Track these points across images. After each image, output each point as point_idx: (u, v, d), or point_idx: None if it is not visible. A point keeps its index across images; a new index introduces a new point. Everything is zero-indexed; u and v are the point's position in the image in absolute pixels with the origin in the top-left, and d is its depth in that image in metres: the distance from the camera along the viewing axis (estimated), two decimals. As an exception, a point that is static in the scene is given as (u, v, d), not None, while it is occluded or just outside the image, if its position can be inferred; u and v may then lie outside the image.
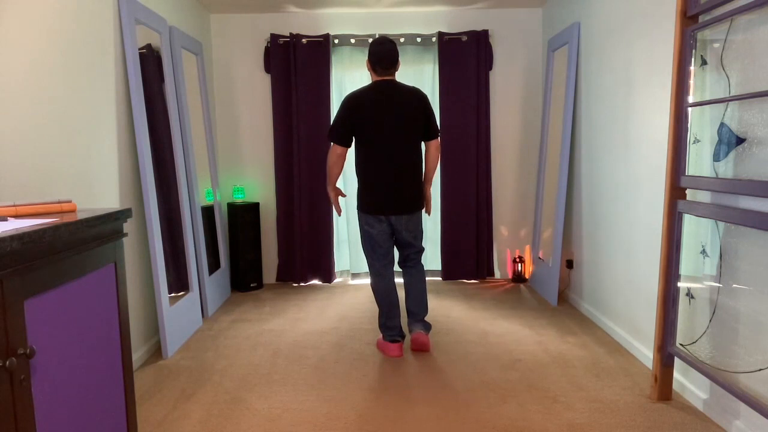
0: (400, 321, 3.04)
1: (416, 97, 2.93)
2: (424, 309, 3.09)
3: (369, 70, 2.98)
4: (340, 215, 3.24)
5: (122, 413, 1.67)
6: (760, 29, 1.88)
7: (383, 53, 2.88)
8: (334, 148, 2.94)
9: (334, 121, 2.94)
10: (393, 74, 2.94)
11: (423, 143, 3.03)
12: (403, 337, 3.04)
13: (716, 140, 2.12)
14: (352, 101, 2.89)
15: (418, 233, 3.06)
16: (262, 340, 3.27)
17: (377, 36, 4.41)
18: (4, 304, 1.11)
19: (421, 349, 3.03)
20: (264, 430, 2.22)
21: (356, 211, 3.07)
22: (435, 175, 3.53)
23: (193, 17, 4.02)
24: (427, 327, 3.10)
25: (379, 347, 3.08)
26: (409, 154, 2.92)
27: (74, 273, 1.40)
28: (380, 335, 3.26)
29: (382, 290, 3.02)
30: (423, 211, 3.09)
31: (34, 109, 2.11)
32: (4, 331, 1.11)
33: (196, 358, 3.00)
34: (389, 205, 2.91)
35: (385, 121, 2.86)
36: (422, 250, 3.12)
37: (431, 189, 3.11)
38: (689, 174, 2.25)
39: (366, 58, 3.41)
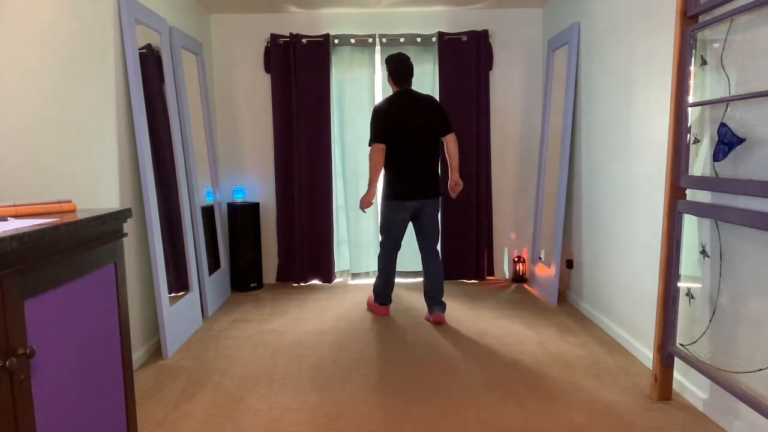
0: (392, 291, 3.75)
1: (432, 103, 3.53)
2: (441, 292, 3.60)
3: (390, 82, 3.59)
4: (364, 210, 3.62)
5: (122, 413, 1.67)
6: (760, 29, 1.88)
7: (405, 71, 3.51)
8: (376, 148, 3.47)
9: (372, 126, 3.52)
10: (410, 83, 3.56)
11: (442, 139, 3.57)
12: (390, 301, 3.76)
13: (716, 140, 2.12)
14: (384, 109, 3.49)
15: (436, 220, 3.58)
16: (262, 340, 3.27)
17: (377, 36, 4.42)
18: (4, 304, 1.11)
19: (439, 323, 3.58)
20: (264, 430, 2.22)
21: (383, 200, 3.60)
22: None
23: (193, 17, 4.02)
24: (444, 307, 3.62)
25: (370, 306, 3.81)
26: (429, 150, 3.49)
27: (74, 273, 1.40)
28: (371, 296, 3.84)
29: (387, 265, 3.65)
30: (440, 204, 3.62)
31: (34, 109, 2.11)
32: (4, 331, 1.11)
33: (196, 358, 3.00)
34: (413, 192, 3.47)
35: (409, 124, 3.45)
36: (438, 235, 3.63)
37: (458, 175, 3.62)
38: (689, 174, 2.25)
39: (376, 67, 4.02)
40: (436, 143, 3.50)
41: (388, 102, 3.50)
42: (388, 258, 3.64)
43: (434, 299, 3.58)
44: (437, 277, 3.58)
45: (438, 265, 3.60)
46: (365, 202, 3.54)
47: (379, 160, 3.47)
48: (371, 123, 3.51)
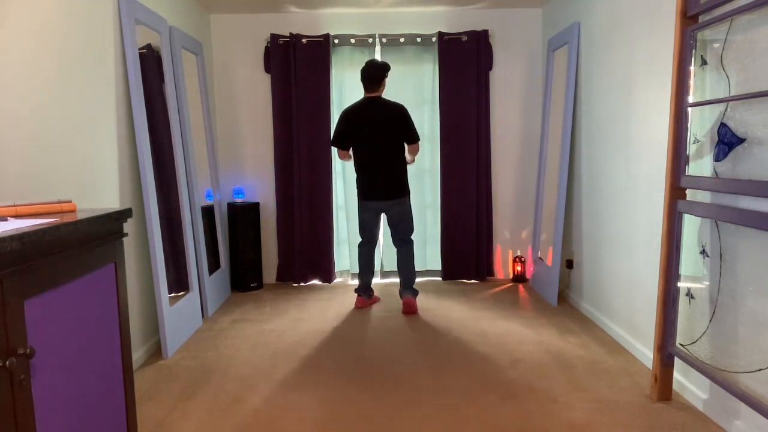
0: (369, 283, 3.92)
1: (396, 111, 3.64)
2: (410, 279, 3.82)
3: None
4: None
5: (122, 413, 1.67)
6: (760, 29, 1.88)
7: (367, 76, 3.63)
8: (338, 151, 3.81)
9: (334, 130, 3.76)
10: (377, 91, 3.65)
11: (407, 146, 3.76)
12: (369, 296, 3.94)
13: (716, 140, 2.12)
14: (347, 115, 3.69)
15: (408, 214, 3.77)
16: (263, 340, 3.27)
17: (377, 36, 4.42)
18: (4, 304, 1.11)
19: (410, 310, 3.72)
20: (264, 430, 2.22)
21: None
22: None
23: (193, 17, 4.02)
24: (414, 292, 3.81)
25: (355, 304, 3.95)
26: (391, 155, 3.65)
27: (74, 273, 1.40)
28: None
29: (360, 255, 3.88)
30: (408, 199, 3.78)
31: (34, 109, 2.11)
32: (4, 331, 1.11)
33: (196, 358, 3.00)
34: (375, 194, 3.69)
35: (371, 130, 3.61)
36: (410, 231, 3.81)
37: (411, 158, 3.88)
38: (689, 174, 2.25)
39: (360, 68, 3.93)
40: (398, 148, 3.65)
41: (351, 107, 3.71)
42: (361, 249, 3.88)
43: (403, 285, 3.82)
44: (405, 269, 3.80)
45: (407, 257, 3.80)
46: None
47: (342, 159, 3.84)
48: (336, 125, 3.76)
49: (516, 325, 3.47)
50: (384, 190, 3.67)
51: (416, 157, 4.52)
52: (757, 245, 1.93)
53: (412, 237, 3.87)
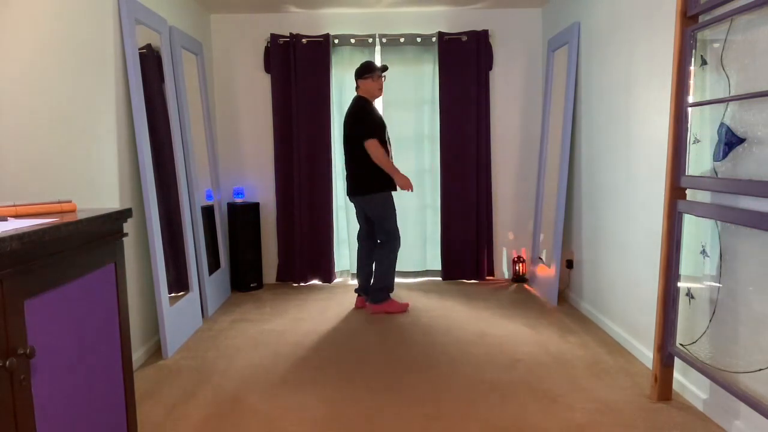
0: (361, 282, 3.91)
1: (350, 110, 3.69)
2: (374, 281, 3.78)
3: None
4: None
5: (122, 413, 1.67)
6: (760, 29, 1.88)
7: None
8: None
9: None
10: (357, 90, 3.73)
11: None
12: (360, 293, 3.92)
13: (716, 140, 2.12)
14: None
15: (377, 215, 3.71)
16: (263, 340, 3.27)
17: (377, 36, 4.42)
18: (4, 304, 1.11)
19: (361, 305, 3.90)
20: (264, 430, 2.22)
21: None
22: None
23: (193, 17, 4.02)
24: (374, 297, 3.77)
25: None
26: (348, 154, 3.71)
27: (74, 273, 1.40)
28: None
29: (359, 250, 3.91)
30: (375, 199, 3.66)
31: (34, 110, 2.11)
32: (4, 331, 1.11)
33: (196, 358, 3.00)
34: (347, 189, 3.82)
35: (343, 127, 3.77)
36: (383, 232, 3.73)
37: (398, 173, 3.66)
38: (689, 174, 2.25)
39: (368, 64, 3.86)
40: (355, 148, 3.63)
41: None
42: (358, 243, 3.91)
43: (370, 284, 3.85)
44: (375, 270, 3.77)
45: (377, 260, 3.75)
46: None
47: None
48: None
49: (516, 325, 3.47)
50: (349, 187, 3.77)
51: (414, 158, 4.54)
52: (757, 245, 1.93)
53: (402, 243, 3.91)
